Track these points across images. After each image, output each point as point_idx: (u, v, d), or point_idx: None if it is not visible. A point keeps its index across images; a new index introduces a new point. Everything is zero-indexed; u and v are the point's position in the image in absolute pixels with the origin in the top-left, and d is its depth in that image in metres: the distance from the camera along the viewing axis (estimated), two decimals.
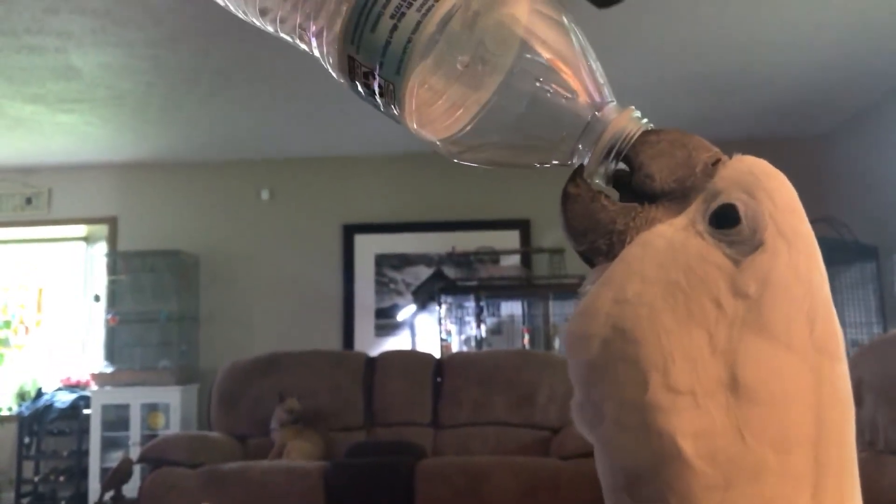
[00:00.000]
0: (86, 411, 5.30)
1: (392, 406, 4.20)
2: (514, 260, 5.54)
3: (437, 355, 4.63)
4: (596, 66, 0.46)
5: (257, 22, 0.52)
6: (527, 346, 5.13)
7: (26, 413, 5.35)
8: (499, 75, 0.44)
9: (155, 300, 5.41)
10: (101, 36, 3.72)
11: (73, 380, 5.63)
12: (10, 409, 5.66)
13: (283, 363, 4.31)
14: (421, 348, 5.27)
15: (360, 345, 5.50)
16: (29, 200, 5.77)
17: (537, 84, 0.44)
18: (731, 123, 5.11)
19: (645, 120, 0.45)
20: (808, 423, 0.40)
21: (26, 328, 6.01)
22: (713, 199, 0.43)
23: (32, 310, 6.05)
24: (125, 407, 5.18)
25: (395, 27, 0.43)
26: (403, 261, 5.66)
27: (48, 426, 5.34)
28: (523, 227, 5.61)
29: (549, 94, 0.44)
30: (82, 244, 6.00)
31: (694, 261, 0.41)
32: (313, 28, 0.48)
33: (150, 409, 5.24)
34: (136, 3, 3.41)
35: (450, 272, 5.50)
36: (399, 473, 3.50)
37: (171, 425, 5.12)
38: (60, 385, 5.60)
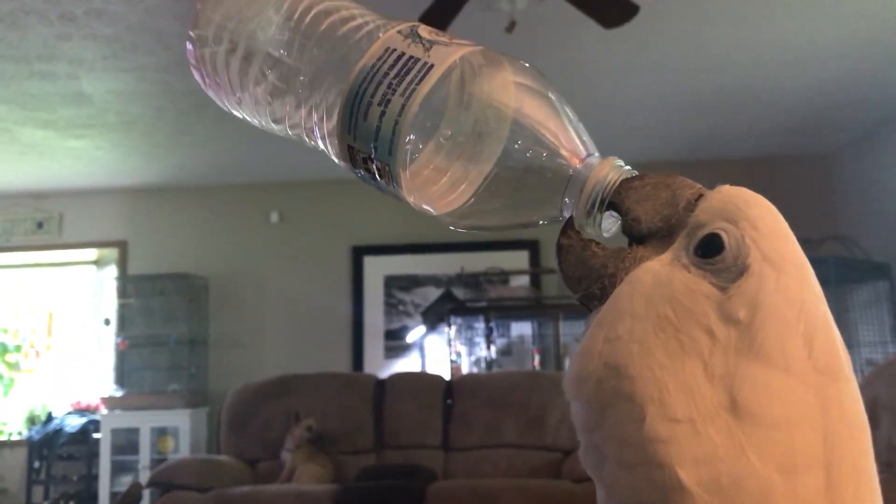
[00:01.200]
0: (95, 435, 5.29)
1: (402, 429, 4.18)
2: (524, 280, 5.53)
3: (447, 377, 4.61)
4: (576, 123, 0.49)
5: (274, 128, 0.58)
6: (537, 367, 5.10)
7: (36, 437, 5.34)
8: (497, 148, 0.47)
9: (164, 324, 5.42)
10: (112, 62, 3.76)
11: (83, 404, 5.63)
12: (20, 433, 5.66)
13: (292, 386, 4.30)
14: (431, 370, 5.25)
15: (369, 367, 5.48)
16: (40, 225, 5.80)
17: (528, 152, 0.47)
18: (739, 142, 5.10)
19: (627, 167, 0.47)
20: (815, 445, 0.39)
21: (36, 352, 6.03)
22: (696, 231, 0.43)
23: (43, 334, 6.07)
24: (135, 431, 5.17)
25: (383, 113, 0.48)
26: (412, 282, 5.65)
27: (58, 450, 5.33)
28: (532, 247, 5.61)
29: (538, 158, 0.47)
30: (92, 268, 6.03)
31: (681, 292, 0.42)
32: (315, 119, 0.53)
33: (160, 432, 5.23)
34: (147, 29, 3.45)
35: (459, 293, 5.49)
36: (410, 497, 3.47)
37: (181, 449, 5.10)
38: (70, 409, 5.60)
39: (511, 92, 0.49)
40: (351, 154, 0.51)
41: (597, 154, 0.49)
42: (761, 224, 0.42)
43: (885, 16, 3.50)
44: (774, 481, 0.38)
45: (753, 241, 0.42)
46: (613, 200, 0.46)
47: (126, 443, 5.20)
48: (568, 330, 5.03)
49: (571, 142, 0.48)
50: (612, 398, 0.41)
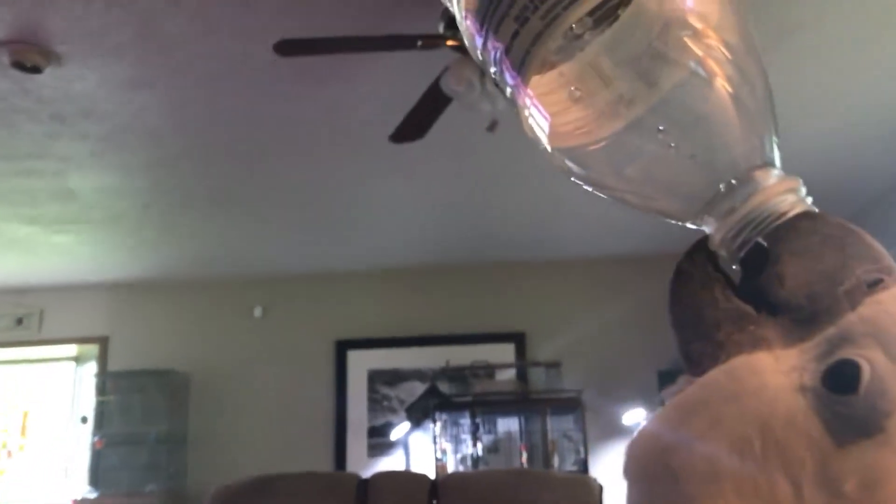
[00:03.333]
0: None
1: None
2: (510, 374, 5.48)
3: (433, 475, 4.49)
4: (774, 115, 0.37)
5: None
6: (524, 464, 4.99)
7: None
8: (661, 88, 0.34)
9: (143, 421, 5.29)
10: (100, 159, 3.80)
11: None
12: None
13: (272, 487, 4.17)
14: (415, 468, 5.12)
15: (352, 465, 5.35)
16: (20, 321, 5.73)
17: (697, 118, 0.35)
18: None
19: (809, 199, 0.36)
20: None
21: (9, 452, 5.84)
22: (839, 344, 0.32)
23: (17, 433, 5.90)
24: None
25: (516, 33, 0.37)
26: (397, 376, 5.58)
27: None
28: (518, 339, 5.58)
29: (706, 134, 0.35)
30: (72, 364, 5.92)
31: (780, 423, 0.31)
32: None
33: None
34: (137, 128, 3.50)
35: (444, 387, 5.42)
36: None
37: None
38: None
39: (715, 15, 0.35)
40: (481, 53, 0.41)
41: (777, 168, 0.37)
42: None
43: (854, 111, 3.62)
44: None
45: None
46: (769, 237, 0.35)
47: None
48: (556, 425, 4.95)
49: (758, 136, 0.36)
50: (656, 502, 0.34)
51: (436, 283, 5.67)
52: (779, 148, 0.35)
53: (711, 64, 0.34)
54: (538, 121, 0.39)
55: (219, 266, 5.52)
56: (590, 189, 0.40)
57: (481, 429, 5.03)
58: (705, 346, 0.35)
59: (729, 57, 0.34)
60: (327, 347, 5.63)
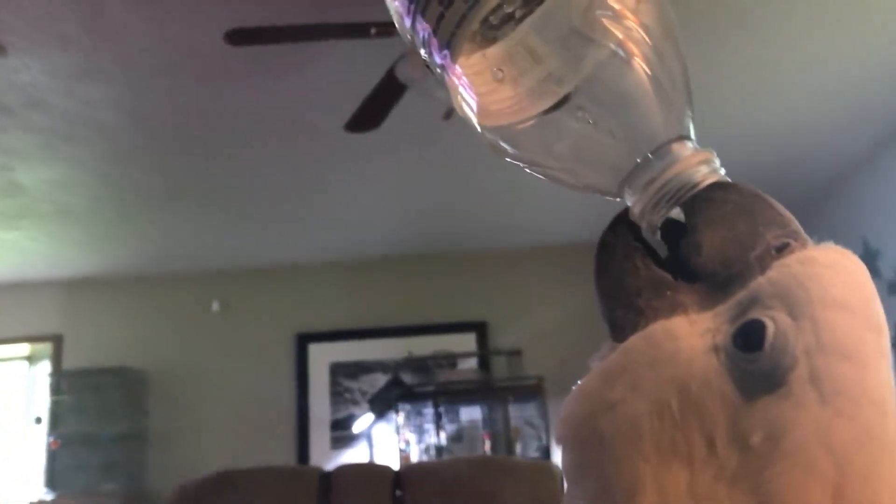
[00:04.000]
0: None
1: None
2: (472, 363, 5.49)
3: (396, 466, 4.49)
4: (687, 93, 0.38)
5: None
6: (488, 452, 5.01)
7: None
8: (583, 70, 0.36)
9: (100, 420, 5.19)
10: (49, 151, 3.70)
11: None
12: None
13: (233, 482, 4.12)
14: (379, 460, 5.11)
15: (315, 458, 5.32)
16: None
17: (620, 94, 0.36)
18: None
19: (723, 171, 0.38)
20: None
21: None
22: (749, 306, 0.34)
23: None
24: None
25: (441, 15, 0.38)
26: (359, 368, 5.56)
27: None
28: (479, 328, 5.59)
29: (628, 108, 0.37)
30: (25, 364, 5.78)
31: (696, 384, 0.33)
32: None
33: None
34: (86, 119, 3.42)
35: (407, 378, 5.41)
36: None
37: None
38: None
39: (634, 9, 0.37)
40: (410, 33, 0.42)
41: (693, 141, 0.38)
42: (828, 335, 0.32)
43: (812, 99, 3.68)
44: None
45: (807, 353, 0.32)
46: (686, 207, 0.37)
47: None
48: (518, 413, 4.98)
49: (674, 113, 0.37)
50: (592, 468, 0.35)
51: (396, 274, 5.65)
52: (694, 123, 0.38)
53: (630, 44, 0.36)
54: (468, 100, 0.40)
55: (175, 260, 5.43)
56: (521, 166, 0.41)
57: (444, 418, 5.04)
58: (627, 313, 0.37)
59: (647, 38, 0.37)
60: (288, 341, 5.58)
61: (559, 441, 0.37)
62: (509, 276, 5.58)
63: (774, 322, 0.33)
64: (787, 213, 0.37)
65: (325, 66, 3.08)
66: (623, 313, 0.37)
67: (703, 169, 0.37)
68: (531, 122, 0.38)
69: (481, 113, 0.40)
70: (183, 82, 3.17)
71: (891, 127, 4.04)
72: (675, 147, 0.37)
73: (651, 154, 0.37)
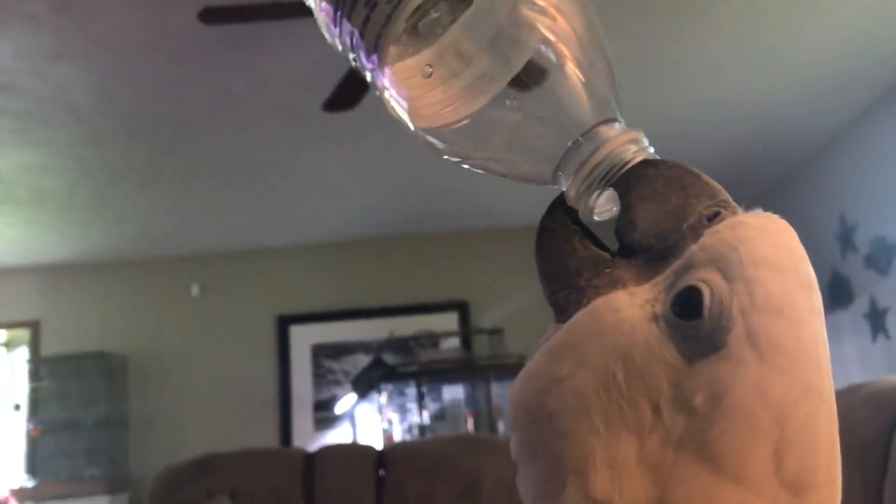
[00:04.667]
0: None
1: (333, 503, 4.04)
2: (454, 342, 5.50)
3: (380, 446, 4.51)
4: (611, 72, 0.39)
5: None
6: (471, 430, 5.04)
7: None
8: (518, 62, 0.37)
9: (81, 406, 5.16)
10: (22, 135, 3.65)
11: None
12: None
13: (216, 465, 4.12)
14: (362, 440, 5.13)
15: (299, 440, 5.33)
16: None
17: (548, 85, 0.38)
18: None
19: (650, 148, 0.39)
20: None
21: None
22: (683, 273, 0.35)
23: None
24: None
25: (367, 18, 0.39)
26: (341, 349, 5.56)
27: None
28: (461, 308, 5.60)
29: (556, 97, 0.38)
30: (2, 350, 5.73)
31: (639, 351, 0.34)
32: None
33: None
34: (58, 104, 3.37)
35: (389, 358, 5.42)
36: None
37: None
38: None
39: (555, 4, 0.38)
40: (335, 39, 0.42)
41: (620, 121, 0.39)
42: (761, 293, 0.33)
43: (790, 75, 3.70)
44: None
45: (742, 313, 0.33)
46: (618, 187, 0.37)
47: None
48: (499, 391, 5.00)
49: (600, 97, 0.38)
50: (542, 447, 0.36)
51: (377, 255, 5.64)
52: (620, 107, 0.40)
53: (554, 38, 0.38)
54: (399, 103, 0.41)
55: (153, 244, 5.38)
56: (457, 161, 0.42)
57: (427, 398, 5.06)
58: (569, 293, 0.38)
59: (570, 30, 0.38)
60: (269, 323, 5.56)
61: (510, 426, 0.38)
62: (491, 256, 5.59)
63: (710, 287, 0.34)
64: (716, 184, 0.38)
65: (302, 45, 3.05)
66: (565, 294, 0.38)
67: (632, 147, 0.38)
68: (467, 121, 0.39)
69: (413, 115, 0.40)
70: (157, 63, 3.12)
71: (865, 103, 4.07)
72: (603, 129, 0.38)
73: (581, 138, 0.38)
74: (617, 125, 0.39)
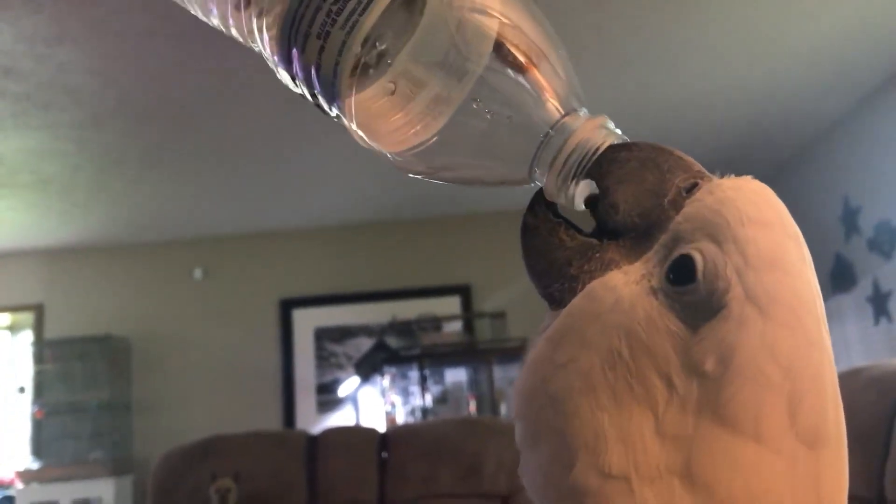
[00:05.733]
0: None
1: (336, 485, 4.07)
2: (457, 326, 5.51)
3: (382, 428, 4.53)
4: (568, 63, 0.40)
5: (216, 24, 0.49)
6: (473, 413, 5.06)
7: None
8: (471, 78, 0.38)
9: (85, 389, 5.19)
10: (23, 119, 3.64)
11: None
12: None
13: (219, 448, 4.15)
14: (365, 422, 5.15)
15: (302, 422, 5.35)
16: None
17: (507, 90, 0.38)
18: None
19: (618, 131, 0.39)
20: None
21: None
22: (674, 244, 0.36)
23: None
24: None
25: (322, 48, 0.40)
26: (344, 333, 5.57)
27: None
28: (464, 292, 5.61)
29: (518, 101, 0.38)
30: (6, 334, 5.75)
31: (642, 325, 0.34)
32: (257, 28, 0.45)
33: None
34: (58, 87, 3.36)
35: (392, 342, 5.43)
36: None
37: None
38: None
39: (496, 10, 0.39)
40: (294, 82, 0.44)
41: (584, 110, 0.40)
42: (752, 250, 0.34)
43: (795, 58, 3.67)
44: None
45: (737, 272, 0.34)
46: (594, 174, 0.38)
47: None
48: (501, 374, 5.02)
49: (562, 91, 0.39)
50: (547, 431, 0.36)
51: (380, 238, 5.64)
52: (580, 96, 0.40)
53: (508, 43, 0.38)
54: (365, 133, 0.42)
55: (155, 228, 5.38)
56: (434, 181, 0.43)
57: (429, 381, 5.08)
58: (562, 283, 0.38)
59: (521, 32, 0.39)
60: (271, 307, 5.57)
61: (515, 415, 0.38)
62: (493, 239, 5.58)
63: (701, 252, 0.34)
64: (689, 158, 0.38)
65: None
66: (559, 286, 0.38)
67: (601, 133, 0.39)
68: (433, 140, 0.39)
69: (380, 142, 0.41)
70: (158, 45, 3.11)
71: (871, 87, 4.04)
72: (570, 120, 0.39)
73: (551, 130, 0.38)
74: (581, 114, 0.39)
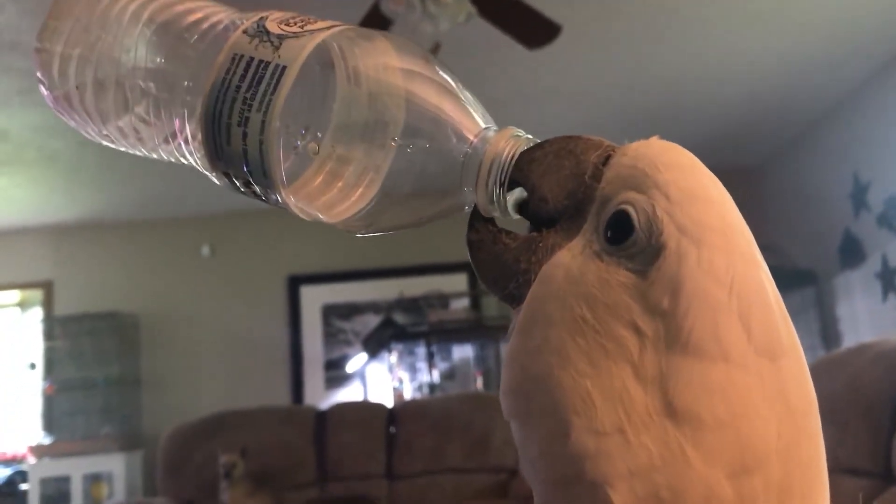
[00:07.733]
0: (23, 486, 5.05)
1: (345, 459, 4.10)
2: (464, 302, 5.52)
3: (390, 404, 4.56)
4: (465, 93, 0.43)
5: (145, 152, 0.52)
6: (480, 389, 5.08)
7: None
8: (392, 149, 0.42)
9: (94, 365, 5.23)
10: (29, 96, 3.63)
11: (9, 454, 5.37)
12: None
13: (228, 423, 4.18)
14: (373, 398, 5.18)
15: (310, 398, 5.39)
16: None
17: (427, 136, 0.42)
18: None
19: (527, 136, 0.42)
20: (768, 439, 0.34)
21: None
22: (604, 207, 0.38)
23: None
24: (66, 479, 4.95)
25: (245, 134, 0.42)
26: (352, 310, 5.59)
27: None
28: (471, 269, 5.57)
29: (438, 141, 0.42)
30: (16, 310, 5.78)
31: (596, 287, 0.36)
32: (185, 145, 0.47)
33: (93, 479, 5.01)
34: None
35: (399, 318, 5.45)
36: None
37: (116, 494, 4.90)
38: None
39: (395, 68, 0.42)
40: (230, 180, 0.46)
41: (493, 127, 0.43)
42: (674, 189, 0.36)
43: (804, 31, 3.63)
44: (722, 486, 0.34)
45: (667, 212, 0.36)
46: (515, 178, 0.41)
47: (56, 493, 4.97)
48: None
49: (468, 117, 0.42)
50: (537, 414, 0.37)
51: None
52: (489, 118, 0.44)
53: (412, 97, 0.42)
54: (305, 212, 0.45)
55: (163, 205, 5.39)
56: (387, 234, 0.46)
57: (436, 357, 5.10)
58: (517, 280, 0.41)
59: (428, 80, 0.43)
60: (279, 283, 5.59)
61: (507, 417, 0.39)
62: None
63: (631, 203, 0.37)
64: (597, 137, 0.41)
65: (309, 1, 3.01)
66: (514, 285, 0.41)
67: (511, 142, 0.41)
68: (373, 203, 0.43)
69: (322, 216, 0.44)
70: None
71: (880, 62, 4.00)
72: (481, 138, 0.42)
73: (469, 149, 0.42)
74: (491, 131, 0.43)
